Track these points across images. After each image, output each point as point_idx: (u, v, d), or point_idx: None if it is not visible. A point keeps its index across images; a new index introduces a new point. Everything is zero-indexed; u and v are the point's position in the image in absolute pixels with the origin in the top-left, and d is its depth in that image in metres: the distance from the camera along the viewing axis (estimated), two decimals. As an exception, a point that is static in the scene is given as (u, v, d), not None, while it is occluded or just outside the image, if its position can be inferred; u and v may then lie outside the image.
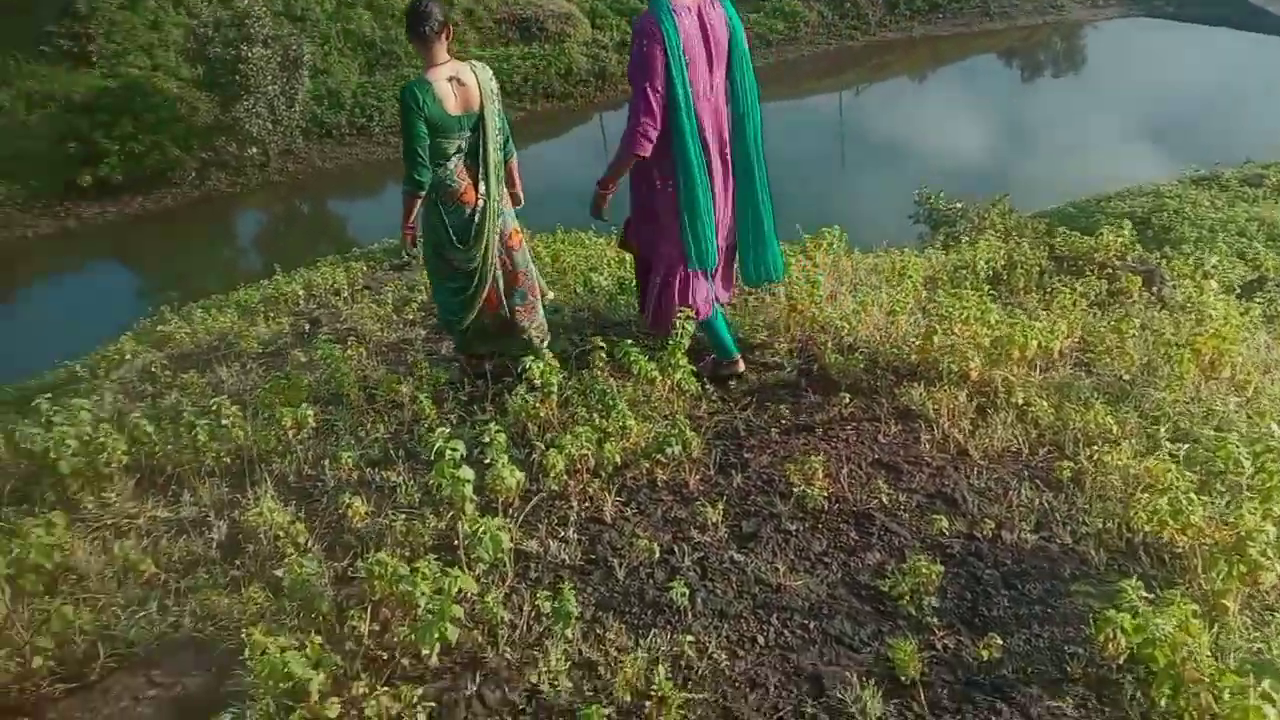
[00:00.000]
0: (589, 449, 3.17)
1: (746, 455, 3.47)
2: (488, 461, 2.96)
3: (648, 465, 3.31)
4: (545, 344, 4.19)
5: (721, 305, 4.08)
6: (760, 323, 4.64)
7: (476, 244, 3.90)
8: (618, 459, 3.21)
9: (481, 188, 3.87)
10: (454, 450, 2.63)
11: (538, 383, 3.69)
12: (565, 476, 3.16)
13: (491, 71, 3.91)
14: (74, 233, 19.06)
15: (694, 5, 3.46)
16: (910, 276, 5.24)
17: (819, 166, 20.31)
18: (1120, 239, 6.56)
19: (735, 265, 4.07)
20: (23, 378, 8.22)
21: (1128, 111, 22.02)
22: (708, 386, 3.99)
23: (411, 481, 3.34)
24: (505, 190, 4.04)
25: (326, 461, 3.57)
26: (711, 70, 3.55)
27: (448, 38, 3.75)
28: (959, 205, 14.25)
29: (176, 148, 20.11)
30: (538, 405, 3.71)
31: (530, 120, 22.52)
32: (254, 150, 20.18)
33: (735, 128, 3.74)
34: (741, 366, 4.09)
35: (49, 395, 4.70)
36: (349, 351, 4.74)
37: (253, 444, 3.74)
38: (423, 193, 3.77)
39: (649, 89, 3.35)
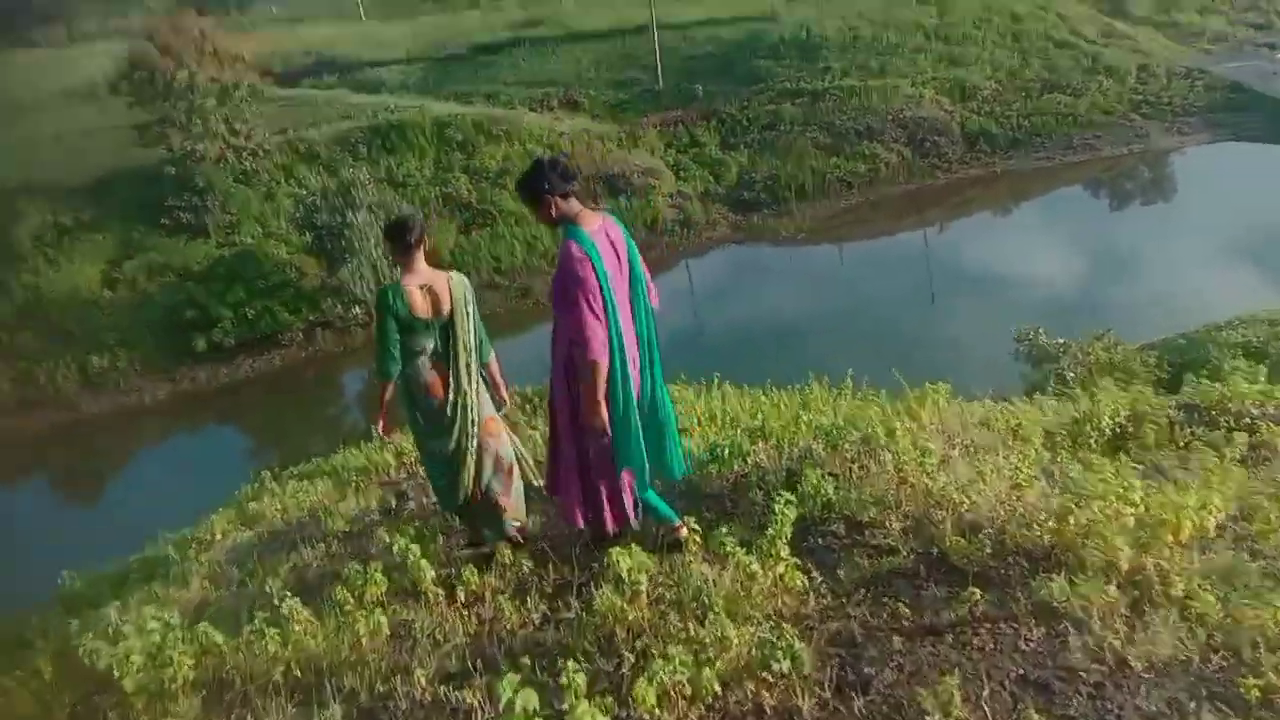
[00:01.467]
0: (684, 674, 2.79)
1: (867, 670, 3.04)
2: (564, 707, 2.59)
3: (752, 687, 2.91)
4: (516, 526, 4.41)
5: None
6: (867, 496, 4.25)
7: (448, 434, 4.18)
8: (717, 687, 2.81)
9: (451, 383, 4.18)
10: (526, 702, 2.30)
11: (625, 579, 3.38)
12: (657, 708, 2.78)
13: (468, 283, 4.27)
14: (187, 395, 19.97)
15: (600, 228, 3.80)
16: (1030, 439, 4.81)
17: (908, 305, 19.95)
18: (1257, 385, 5.99)
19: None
20: (128, 552, 8.28)
21: (1223, 237, 21.06)
22: (815, 576, 3.61)
23: (488, 704, 3.02)
24: (481, 387, 4.33)
25: (399, 677, 3.29)
26: (620, 277, 3.86)
27: (424, 248, 4.14)
28: (1062, 341, 13.65)
29: (286, 310, 21.15)
30: (626, 606, 3.38)
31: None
32: (358, 310, 21.02)
33: (637, 322, 3.94)
34: (684, 532, 3.97)
35: (135, 576, 4.61)
36: (426, 542, 4.52)
37: (324, 653, 3.50)
38: (389, 382, 4.11)
39: (591, 306, 3.60)
